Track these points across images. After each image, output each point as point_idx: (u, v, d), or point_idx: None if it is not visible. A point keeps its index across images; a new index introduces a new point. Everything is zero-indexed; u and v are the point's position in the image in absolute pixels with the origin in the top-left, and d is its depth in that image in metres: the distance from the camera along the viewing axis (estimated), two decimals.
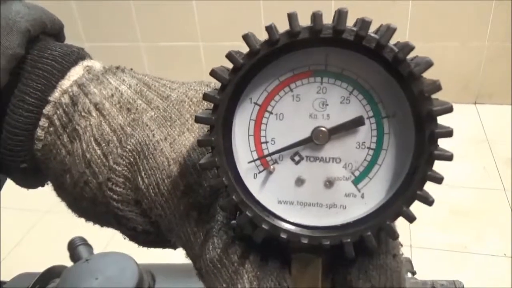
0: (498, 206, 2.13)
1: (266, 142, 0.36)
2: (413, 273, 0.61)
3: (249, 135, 0.36)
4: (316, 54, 0.34)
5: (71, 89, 0.42)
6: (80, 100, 0.42)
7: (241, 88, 0.34)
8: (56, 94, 0.42)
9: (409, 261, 0.63)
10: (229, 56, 0.32)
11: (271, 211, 0.35)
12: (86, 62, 0.45)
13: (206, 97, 0.33)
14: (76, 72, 0.43)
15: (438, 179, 0.32)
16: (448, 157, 0.31)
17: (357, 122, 0.34)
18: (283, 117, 0.35)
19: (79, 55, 0.44)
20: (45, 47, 0.43)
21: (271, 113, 0.35)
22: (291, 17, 0.31)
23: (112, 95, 0.42)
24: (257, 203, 0.35)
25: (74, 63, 0.44)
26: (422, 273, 0.63)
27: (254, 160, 0.35)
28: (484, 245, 1.96)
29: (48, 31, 0.45)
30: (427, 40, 2.50)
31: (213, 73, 0.33)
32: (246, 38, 0.32)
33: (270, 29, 0.32)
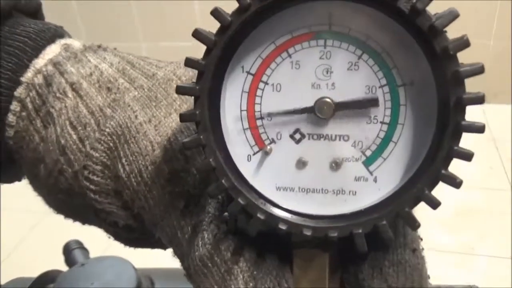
0: (505, 206, 2.08)
1: (262, 118, 0.30)
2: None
3: (241, 110, 0.30)
4: (318, 12, 0.28)
5: (45, 68, 0.37)
6: (56, 80, 0.37)
7: (230, 53, 0.29)
8: (29, 74, 0.37)
9: None
10: (215, 12, 0.27)
11: (267, 198, 0.30)
12: (64, 40, 0.40)
13: (188, 62, 0.28)
14: (52, 51, 0.38)
15: (468, 155, 0.26)
16: (479, 128, 0.26)
17: (370, 103, 0.29)
18: (281, 87, 0.30)
19: (56, 32, 0.40)
20: (18, 23, 0.38)
21: (266, 83, 0.30)
22: None
23: (91, 74, 0.37)
24: (252, 189, 0.30)
25: (51, 40, 0.39)
26: (430, 276, 0.58)
27: (247, 138, 0.30)
28: (491, 246, 1.91)
29: (22, 8, 0.40)
30: None
31: (196, 34, 0.28)
32: None
33: None
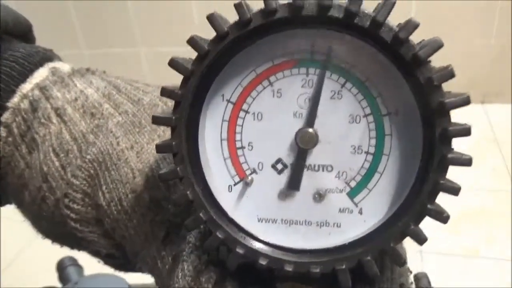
0: (509, 207, 2.06)
1: (242, 148, 0.29)
2: None
3: (221, 139, 0.29)
4: (299, 40, 0.27)
5: (31, 93, 0.37)
6: (41, 105, 0.36)
7: (208, 81, 0.28)
8: (15, 99, 0.36)
9: (425, 276, 0.57)
10: (191, 41, 0.26)
11: (248, 231, 0.29)
12: (53, 64, 0.39)
13: (164, 92, 0.27)
14: (40, 75, 0.38)
15: (455, 190, 0.25)
16: (467, 162, 0.25)
17: None
18: (262, 117, 0.29)
19: (45, 56, 0.39)
20: (6, 48, 0.37)
21: (247, 112, 0.29)
22: None
23: (76, 99, 0.36)
24: (231, 222, 0.29)
25: (39, 64, 0.38)
26: (436, 280, 0.57)
27: (227, 168, 0.29)
28: (496, 249, 1.89)
29: (11, 31, 0.39)
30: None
31: (172, 63, 0.27)
32: (212, 19, 0.26)
33: (239, 7, 0.25)
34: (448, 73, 0.24)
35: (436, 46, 0.24)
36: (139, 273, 0.40)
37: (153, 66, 2.62)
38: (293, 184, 0.29)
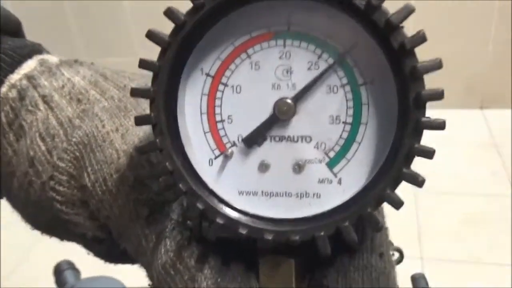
0: (509, 212, 2.05)
1: (222, 121, 0.30)
2: None
3: (201, 113, 0.30)
4: (276, 11, 0.28)
5: (19, 82, 0.37)
6: (29, 94, 0.37)
7: (186, 53, 0.28)
8: (4, 89, 0.37)
9: (423, 277, 0.57)
10: (169, 12, 0.27)
11: (228, 202, 0.29)
12: (42, 56, 0.40)
13: (142, 63, 0.27)
14: (28, 66, 0.38)
15: (429, 153, 0.25)
16: (439, 125, 0.25)
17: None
18: (241, 89, 0.29)
19: (33, 49, 0.40)
20: None
21: (226, 85, 0.29)
22: None
23: (63, 86, 0.37)
24: (212, 193, 0.29)
25: (28, 56, 0.39)
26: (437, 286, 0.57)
27: (208, 141, 0.29)
28: (498, 254, 1.87)
29: (1, 27, 0.40)
30: (430, 45, 2.46)
31: (150, 35, 0.27)
32: None
33: None
34: (420, 38, 0.25)
35: (407, 11, 0.25)
36: (128, 264, 0.41)
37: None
38: (248, 141, 0.29)
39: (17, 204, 0.39)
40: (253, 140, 0.29)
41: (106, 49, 2.46)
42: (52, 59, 0.40)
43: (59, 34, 2.31)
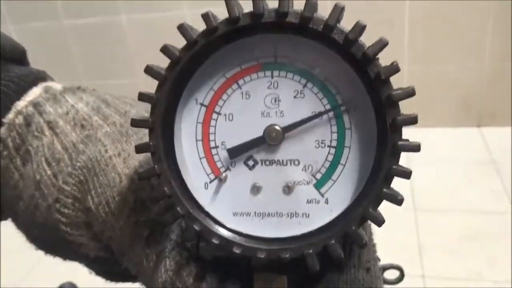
0: (508, 229, 2.05)
1: (216, 147, 0.32)
2: None
3: (196, 140, 0.32)
4: (263, 45, 0.30)
5: (25, 109, 0.39)
6: (35, 120, 0.39)
7: (181, 86, 0.30)
8: (11, 115, 0.39)
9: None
10: (164, 49, 0.29)
11: (222, 224, 0.31)
12: (46, 83, 0.42)
13: (141, 96, 0.30)
14: (33, 93, 0.41)
15: (406, 173, 0.28)
16: (415, 147, 0.27)
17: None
18: (233, 117, 0.31)
19: (38, 76, 0.42)
20: (3, 70, 0.40)
21: (219, 113, 0.32)
22: (228, 3, 0.28)
23: (67, 113, 0.39)
24: (207, 215, 0.31)
25: (33, 83, 0.41)
26: None
27: (203, 166, 0.32)
28: (498, 272, 1.87)
29: (8, 56, 0.42)
30: (425, 63, 2.49)
31: (148, 70, 0.29)
32: (181, 29, 0.29)
33: (206, 17, 0.28)
34: (394, 68, 0.27)
35: (381, 44, 0.27)
36: (125, 282, 0.42)
37: None
38: (231, 154, 0.31)
39: (22, 226, 0.41)
40: (237, 152, 0.31)
41: (107, 71, 2.49)
42: (56, 86, 0.42)
43: (60, 56, 2.34)
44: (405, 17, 2.29)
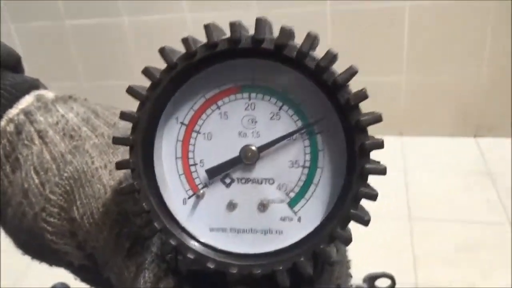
0: (505, 240, 2.06)
1: (195, 164, 0.33)
2: None
3: (176, 157, 0.33)
4: (242, 68, 0.32)
5: (17, 117, 0.41)
6: (25, 129, 0.40)
7: (162, 106, 0.32)
8: (2, 123, 0.41)
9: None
10: (146, 71, 0.31)
11: (198, 239, 0.32)
12: (39, 92, 0.43)
13: (123, 115, 0.31)
14: (26, 101, 0.42)
15: (372, 196, 0.29)
16: (381, 171, 0.29)
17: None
18: (212, 136, 0.33)
19: (32, 85, 0.43)
20: None
21: (198, 132, 0.33)
22: (207, 29, 0.29)
23: (57, 123, 0.40)
24: (184, 230, 0.32)
25: (26, 92, 0.42)
26: None
27: (182, 183, 0.33)
28: (492, 282, 1.88)
29: (2, 63, 0.44)
30: (423, 73, 2.50)
31: (129, 90, 0.31)
32: (162, 52, 0.30)
33: (186, 41, 0.30)
34: (362, 95, 0.28)
35: (351, 72, 0.29)
36: None
37: None
38: (210, 174, 0.33)
39: (10, 231, 0.42)
40: (215, 172, 0.33)
41: (107, 72, 2.50)
42: (48, 94, 0.43)
43: (60, 56, 2.35)
44: (404, 27, 2.30)
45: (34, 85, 0.43)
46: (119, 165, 0.31)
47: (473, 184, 2.36)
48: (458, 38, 2.45)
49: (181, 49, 0.30)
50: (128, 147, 0.38)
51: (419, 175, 2.09)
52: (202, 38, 0.30)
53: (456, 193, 2.29)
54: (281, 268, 0.30)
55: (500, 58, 2.47)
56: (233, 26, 0.29)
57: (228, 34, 0.30)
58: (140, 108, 0.31)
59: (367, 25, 2.20)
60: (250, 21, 0.30)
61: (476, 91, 2.59)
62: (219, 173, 0.32)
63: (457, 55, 2.49)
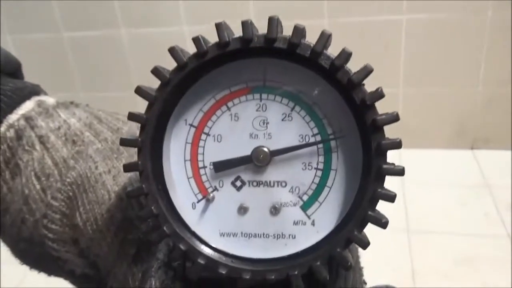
0: (503, 253, 2.05)
1: (204, 167, 0.32)
2: None
3: (185, 160, 0.32)
4: (253, 69, 0.31)
5: (17, 123, 0.40)
6: (26, 134, 0.39)
7: (171, 107, 0.31)
8: (2, 128, 0.40)
9: None
10: (155, 71, 0.30)
11: (209, 244, 0.31)
12: (39, 97, 0.42)
13: (131, 116, 0.30)
14: (26, 107, 0.41)
15: (390, 197, 0.28)
16: (399, 171, 0.28)
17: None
18: (221, 138, 0.32)
19: (32, 90, 0.42)
20: None
21: (208, 134, 0.32)
22: (219, 28, 0.29)
23: (59, 128, 0.39)
24: (194, 235, 0.31)
25: (26, 98, 0.41)
26: None
27: (191, 186, 0.32)
28: None
29: (2, 69, 0.43)
30: (420, 86, 2.51)
31: (138, 91, 0.30)
32: (172, 51, 0.29)
33: (197, 41, 0.29)
34: (379, 94, 0.28)
35: (366, 71, 0.28)
36: None
37: None
38: (217, 168, 0.32)
39: (8, 240, 0.41)
40: (222, 167, 0.32)
41: (104, 84, 2.49)
42: (49, 100, 0.42)
43: (58, 68, 2.34)
44: (401, 40, 2.32)
45: (35, 90, 0.43)
46: (127, 168, 0.30)
47: (470, 196, 2.36)
48: (455, 51, 2.47)
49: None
50: (133, 153, 0.37)
51: (416, 188, 2.08)
52: None
53: (454, 206, 2.28)
54: (296, 273, 0.29)
55: (497, 71, 2.48)
56: (245, 24, 0.28)
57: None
58: (148, 108, 0.30)
59: (364, 38, 2.22)
60: None
61: (472, 103, 2.60)
62: (226, 168, 0.31)
63: (454, 68, 2.50)
